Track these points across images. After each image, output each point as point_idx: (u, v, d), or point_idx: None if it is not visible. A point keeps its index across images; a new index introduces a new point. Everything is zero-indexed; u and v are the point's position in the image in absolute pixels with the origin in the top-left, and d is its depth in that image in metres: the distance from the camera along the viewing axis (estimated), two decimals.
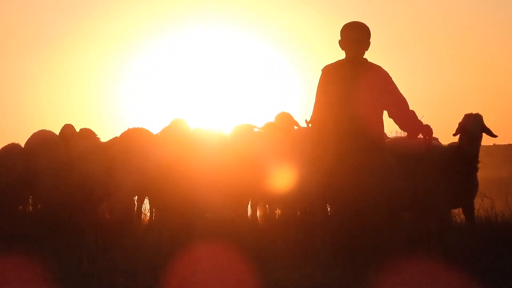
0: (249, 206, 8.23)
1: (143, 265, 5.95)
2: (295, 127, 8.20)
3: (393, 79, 6.10)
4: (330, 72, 6.15)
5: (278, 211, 8.29)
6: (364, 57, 6.15)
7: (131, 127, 8.15)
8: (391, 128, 10.62)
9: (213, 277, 5.49)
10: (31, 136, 8.77)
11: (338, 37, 6.14)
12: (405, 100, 6.08)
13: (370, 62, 6.15)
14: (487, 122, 6.76)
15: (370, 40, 6.12)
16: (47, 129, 8.77)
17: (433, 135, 6.25)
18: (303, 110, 8.41)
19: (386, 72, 6.11)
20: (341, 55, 6.20)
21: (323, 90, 6.16)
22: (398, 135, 9.11)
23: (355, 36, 6.06)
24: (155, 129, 8.24)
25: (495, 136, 6.82)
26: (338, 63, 6.17)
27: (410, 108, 6.12)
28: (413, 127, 6.10)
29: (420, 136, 6.14)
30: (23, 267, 5.72)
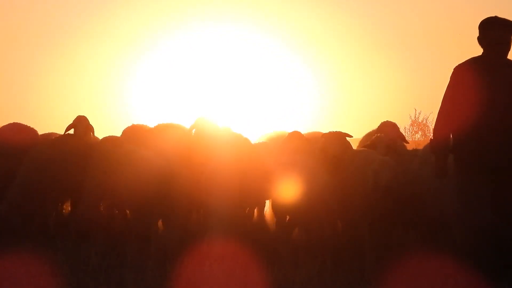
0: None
1: (151, 260, 5.98)
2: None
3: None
4: (465, 73, 5.13)
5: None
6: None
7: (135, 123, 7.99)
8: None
9: (221, 274, 5.51)
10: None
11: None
12: None
13: (510, 60, 5.20)
14: None
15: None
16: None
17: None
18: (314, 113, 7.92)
19: None
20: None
21: (453, 95, 5.12)
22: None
23: (500, 35, 5.11)
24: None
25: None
26: (474, 62, 5.18)
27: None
28: None
29: None
30: (33, 262, 5.75)
